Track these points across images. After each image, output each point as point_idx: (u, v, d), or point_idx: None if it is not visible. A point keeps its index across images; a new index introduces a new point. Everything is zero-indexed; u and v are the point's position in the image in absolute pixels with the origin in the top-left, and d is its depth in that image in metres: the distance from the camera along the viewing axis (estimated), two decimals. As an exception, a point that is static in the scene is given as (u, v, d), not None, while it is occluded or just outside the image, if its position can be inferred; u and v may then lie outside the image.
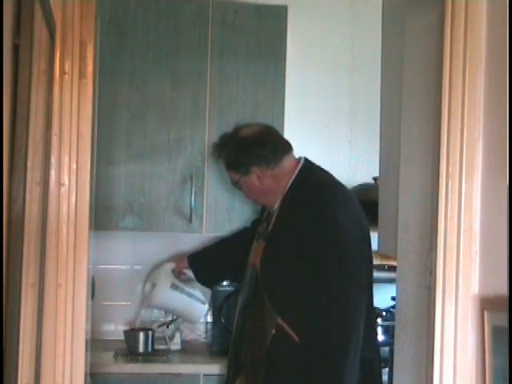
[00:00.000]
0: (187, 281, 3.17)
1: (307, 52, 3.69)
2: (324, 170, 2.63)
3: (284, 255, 2.47)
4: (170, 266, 3.15)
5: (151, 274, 3.25)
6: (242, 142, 2.63)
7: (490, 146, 1.78)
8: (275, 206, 2.58)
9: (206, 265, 3.08)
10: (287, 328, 2.41)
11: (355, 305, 2.40)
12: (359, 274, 2.45)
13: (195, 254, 3.13)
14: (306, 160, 2.63)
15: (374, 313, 2.74)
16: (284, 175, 2.57)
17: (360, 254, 2.47)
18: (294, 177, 2.56)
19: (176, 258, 3.25)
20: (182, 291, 3.14)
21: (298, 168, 2.58)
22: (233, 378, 2.68)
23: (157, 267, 3.25)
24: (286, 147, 2.63)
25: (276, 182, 2.57)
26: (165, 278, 3.13)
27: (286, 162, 2.59)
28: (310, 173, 2.60)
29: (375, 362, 2.56)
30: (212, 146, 2.82)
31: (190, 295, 3.18)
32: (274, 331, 2.43)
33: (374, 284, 2.66)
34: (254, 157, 2.57)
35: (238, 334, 2.65)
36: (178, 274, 3.12)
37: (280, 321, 2.42)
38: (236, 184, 2.70)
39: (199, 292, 3.21)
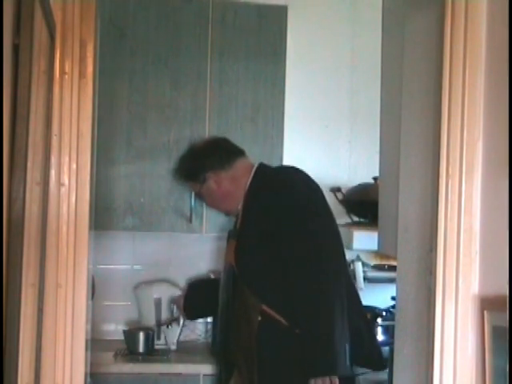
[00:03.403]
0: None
1: (307, 52, 3.69)
2: (280, 166, 2.72)
3: (255, 244, 2.53)
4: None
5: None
6: (194, 153, 2.77)
7: (490, 145, 1.78)
8: (239, 206, 2.65)
9: (196, 302, 3.10)
10: (273, 313, 2.45)
11: (334, 276, 2.43)
12: (329, 245, 2.49)
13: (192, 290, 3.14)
14: (261, 163, 2.72)
15: (353, 285, 2.74)
16: (241, 177, 2.66)
17: (326, 224, 2.53)
18: (251, 176, 2.65)
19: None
20: None
21: (254, 168, 2.67)
22: (226, 379, 2.68)
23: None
24: (238, 152, 2.74)
25: (234, 184, 2.66)
26: None
27: (240, 164, 2.69)
28: (267, 169, 2.70)
29: (363, 329, 2.58)
30: (172, 171, 2.93)
31: None
32: (259, 317, 2.46)
33: (373, 284, 2.67)
34: (207, 163, 2.69)
35: (224, 335, 2.67)
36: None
37: (264, 307, 2.46)
38: (198, 195, 2.81)
39: None
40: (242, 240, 2.59)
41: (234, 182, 2.66)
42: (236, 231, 2.64)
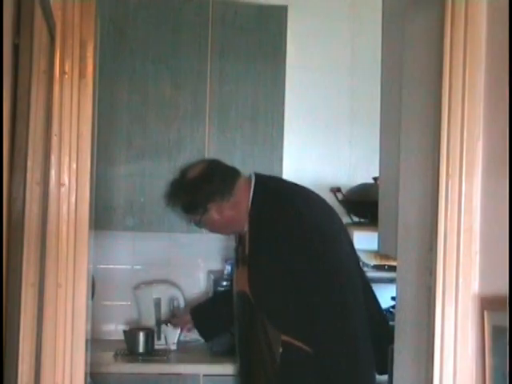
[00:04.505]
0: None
1: (307, 52, 3.69)
2: (276, 178, 2.66)
3: (269, 274, 2.50)
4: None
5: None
6: (190, 184, 2.60)
7: (489, 145, 1.78)
8: (245, 229, 2.58)
9: (209, 322, 3.09)
10: (294, 342, 2.42)
11: (353, 303, 2.46)
12: (345, 269, 2.52)
13: (198, 311, 3.12)
14: (257, 175, 2.64)
15: (370, 287, 2.75)
16: (241, 200, 2.58)
17: (340, 249, 2.55)
18: (251, 196, 2.57)
19: (177, 318, 3.31)
20: None
21: (252, 186, 2.59)
22: None
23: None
24: (234, 174, 2.63)
25: (236, 210, 2.58)
26: None
27: (239, 187, 2.59)
28: (265, 186, 2.62)
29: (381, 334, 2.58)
30: (164, 197, 2.73)
31: None
32: (281, 349, 2.44)
33: (374, 284, 2.67)
34: (207, 194, 2.57)
35: (246, 361, 2.65)
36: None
37: (284, 337, 2.43)
38: (199, 224, 2.68)
39: None
40: (254, 269, 2.53)
41: (236, 207, 2.57)
42: (245, 257, 2.57)
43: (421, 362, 1.88)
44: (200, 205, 2.58)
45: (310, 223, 2.50)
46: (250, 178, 2.62)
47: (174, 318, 3.31)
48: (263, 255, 2.51)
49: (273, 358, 2.46)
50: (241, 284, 2.59)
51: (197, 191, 2.59)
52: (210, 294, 3.46)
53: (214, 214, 2.58)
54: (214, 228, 2.69)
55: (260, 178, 2.63)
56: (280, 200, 2.56)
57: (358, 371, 2.43)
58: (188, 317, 3.11)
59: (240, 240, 2.66)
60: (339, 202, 3.40)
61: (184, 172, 2.66)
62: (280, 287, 2.46)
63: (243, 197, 2.57)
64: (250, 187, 2.58)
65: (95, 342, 2.91)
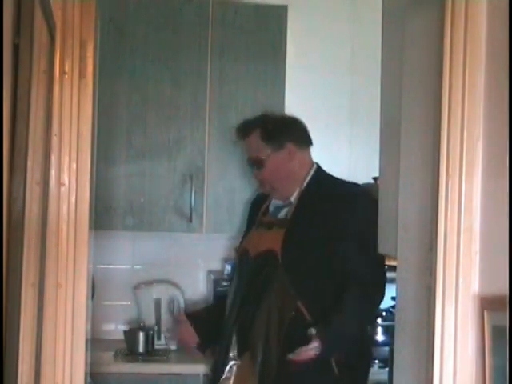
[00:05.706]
0: None
1: (307, 52, 3.69)
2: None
3: (308, 243, 2.53)
4: None
5: None
6: (280, 118, 2.74)
7: (490, 145, 1.78)
8: (292, 199, 2.64)
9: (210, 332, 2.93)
10: (306, 313, 2.44)
11: (380, 301, 2.56)
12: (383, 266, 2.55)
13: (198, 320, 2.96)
14: (318, 165, 2.73)
15: None
16: (303, 166, 2.66)
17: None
18: (311, 175, 2.65)
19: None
20: None
21: (314, 168, 2.67)
22: (237, 355, 2.66)
23: None
24: (310, 141, 2.74)
25: (299, 168, 2.64)
26: None
27: (307, 154, 2.70)
28: (327, 175, 2.71)
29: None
30: (242, 122, 2.83)
31: None
32: (293, 312, 2.46)
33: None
34: (291, 133, 2.67)
35: (244, 316, 2.64)
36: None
37: (300, 304, 2.44)
38: (260, 161, 2.68)
39: None
40: (294, 232, 2.56)
41: (300, 166, 2.64)
42: (286, 221, 2.60)
43: (421, 362, 1.88)
44: (281, 137, 2.64)
45: (365, 222, 2.50)
46: (313, 162, 2.70)
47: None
48: (308, 226, 2.54)
49: (281, 321, 2.47)
50: (269, 244, 2.60)
51: (284, 125, 2.69)
52: (211, 297, 3.45)
53: (286, 154, 2.63)
54: (274, 171, 2.67)
55: (320, 168, 2.71)
56: (347, 190, 2.63)
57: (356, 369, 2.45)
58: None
59: (266, 209, 2.73)
60: (339, 201, 3.39)
61: (270, 112, 2.78)
62: (312, 260, 2.50)
63: (305, 166, 2.66)
64: (312, 168, 2.66)
65: (95, 342, 2.90)
